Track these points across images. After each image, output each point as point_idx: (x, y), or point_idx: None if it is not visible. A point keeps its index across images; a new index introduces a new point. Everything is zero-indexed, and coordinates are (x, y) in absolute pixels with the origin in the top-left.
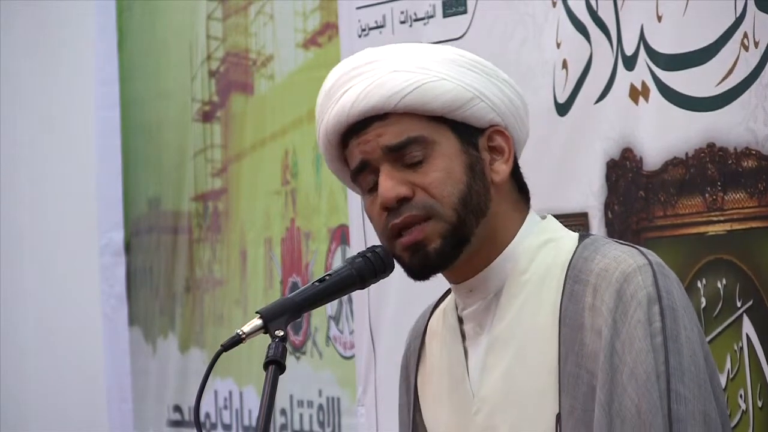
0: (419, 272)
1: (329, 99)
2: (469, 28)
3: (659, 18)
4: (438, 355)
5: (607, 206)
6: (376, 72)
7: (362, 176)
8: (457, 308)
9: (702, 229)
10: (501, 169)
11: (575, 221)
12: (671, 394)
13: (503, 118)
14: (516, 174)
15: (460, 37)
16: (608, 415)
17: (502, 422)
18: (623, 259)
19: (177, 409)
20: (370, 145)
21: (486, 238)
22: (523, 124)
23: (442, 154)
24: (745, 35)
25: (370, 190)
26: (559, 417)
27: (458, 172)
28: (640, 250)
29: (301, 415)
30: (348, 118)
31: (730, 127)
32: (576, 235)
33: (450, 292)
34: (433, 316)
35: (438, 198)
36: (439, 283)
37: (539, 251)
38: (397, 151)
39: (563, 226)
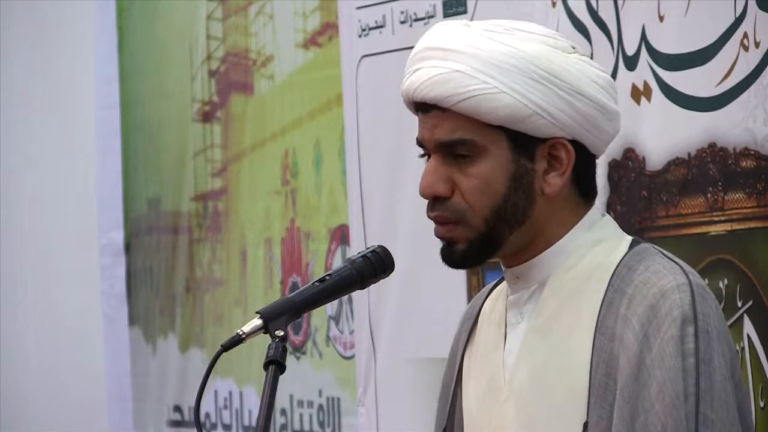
0: (449, 265)
1: (409, 67)
2: None
3: (661, 18)
4: (484, 338)
5: (609, 206)
6: (443, 64)
7: (421, 148)
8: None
9: (704, 229)
10: (554, 182)
11: None
12: (699, 417)
13: (568, 132)
14: (581, 177)
15: None
16: (632, 429)
17: (529, 418)
18: (663, 275)
19: (177, 409)
20: (426, 131)
21: (530, 239)
22: (601, 132)
23: (488, 161)
24: (745, 35)
25: (427, 158)
26: (586, 426)
27: (498, 183)
28: (683, 269)
29: (301, 415)
30: (413, 97)
31: (730, 127)
32: (629, 239)
33: None
34: (488, 298)
35: (471, 205)
36: (440, 283)
37: (589, 250)
38: (447, 147)
39: (618, 228)
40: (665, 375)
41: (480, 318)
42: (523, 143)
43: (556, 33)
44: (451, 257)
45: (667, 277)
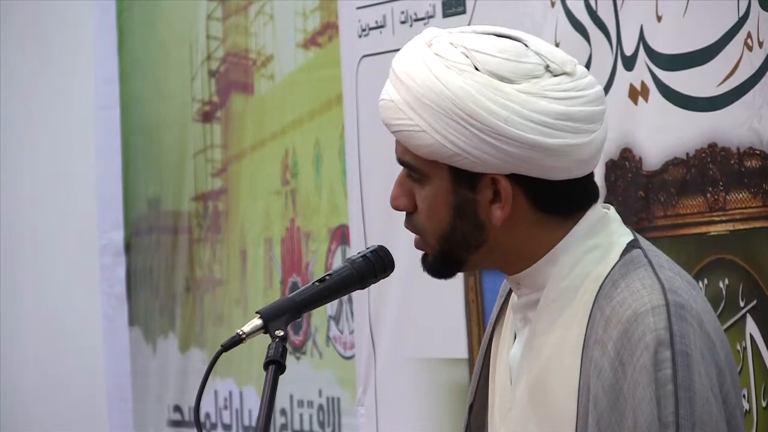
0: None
1: None
2: None
3: (659, 18)
4: (504, 328)
5: None
6: (389, 90)
7: None
8: None
9: (704, 229)
10: (496, 215)
11: None
12: None
13: (499, 169)
14: (544, 202)
15: None
16: None
17: None
18: (640, 296)
19: (177, 409)
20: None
21: (502, 258)
22: (545, 168)
23: (431, 188)
24: (749, 35)
25: None
26: None
27: (441, 211)
28: (663, 288)
29: (301, 415)
30: None
31: (732, 127)
32: (624, 243)
33: None
34: None
35: (424, 226)
36: (440, 284)
37: (583, 258)
38: (402, 165)
39: (619, 227)
40: (637, 405)
41: (509, 302)
42: (462, 175)
43: (528, 50)
44: (425, 267)
45: (642, 298)
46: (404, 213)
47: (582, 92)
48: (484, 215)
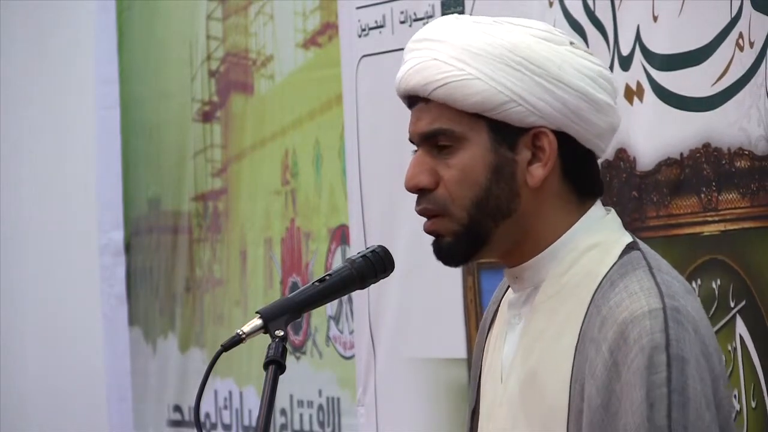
0: (439, 259)
1: (402, 61)
2: None
3: (655, 18)
4: (497, 328)
5: None
6: (424, 54)
7: (412, 144)
8: None
9: (697, 229)
10: (536, 173)
11: None
12: None
13: (550, 121)
14: (573, 171)
15: None
16: None
17: (516, 430)
18: (637, 299)
19: (177, 409)
20: (412, 125)
21: (520, 236)
22: (589, 124)
23: (468, 151)
24: (741, 35)
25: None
26: None
27: (478, 173)
28: (660, 291)
29: (301, 415)
30: (398, 91)
31: (724, 127)
32: (624, 244)
33: None
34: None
35: (453, 197)
36: (441, 284)
37: (583, 255)
38: (429, 138)
39: (619, 228)
40: (629, 407)
41: (503, 302)
42: (503, 132)
43: (555, 28)
44: (440, 251)
45: (639, 300)
46: (412, 205)
47: (604, 66)
48: (521, 178)
